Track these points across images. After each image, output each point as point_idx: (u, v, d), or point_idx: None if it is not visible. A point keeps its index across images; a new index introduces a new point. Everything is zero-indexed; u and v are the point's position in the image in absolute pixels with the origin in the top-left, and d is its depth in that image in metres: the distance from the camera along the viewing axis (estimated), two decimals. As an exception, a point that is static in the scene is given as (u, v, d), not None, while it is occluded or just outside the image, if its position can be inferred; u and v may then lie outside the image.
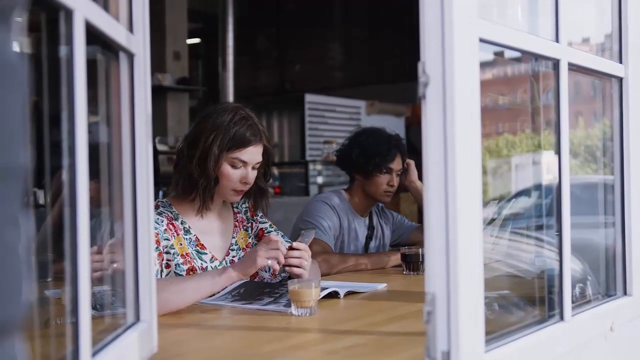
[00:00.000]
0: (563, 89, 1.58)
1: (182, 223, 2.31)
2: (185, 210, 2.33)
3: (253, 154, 2.30)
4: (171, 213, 2.30)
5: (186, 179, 2.28)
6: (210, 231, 2.37)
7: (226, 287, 2.14)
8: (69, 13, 1.03)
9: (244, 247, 2.45)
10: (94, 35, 1.16)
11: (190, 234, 2.30)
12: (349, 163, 3.17)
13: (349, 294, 2.24)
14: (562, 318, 1.57)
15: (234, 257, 2.39)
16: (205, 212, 2.34)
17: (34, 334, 1.19)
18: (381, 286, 2.42)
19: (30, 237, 0.64)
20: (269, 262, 2.09)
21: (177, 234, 2.27)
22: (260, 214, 2.54)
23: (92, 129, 1.12)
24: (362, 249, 3.18)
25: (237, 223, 2.47)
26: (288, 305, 1.96)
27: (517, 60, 1.79)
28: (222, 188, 2.31)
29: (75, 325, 1.04)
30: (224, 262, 2.35)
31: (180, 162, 2.31)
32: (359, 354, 1.55)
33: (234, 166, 2.28)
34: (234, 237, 2.43)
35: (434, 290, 1.21)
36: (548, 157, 1.92)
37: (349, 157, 3.14)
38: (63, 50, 1.05)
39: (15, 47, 0.61)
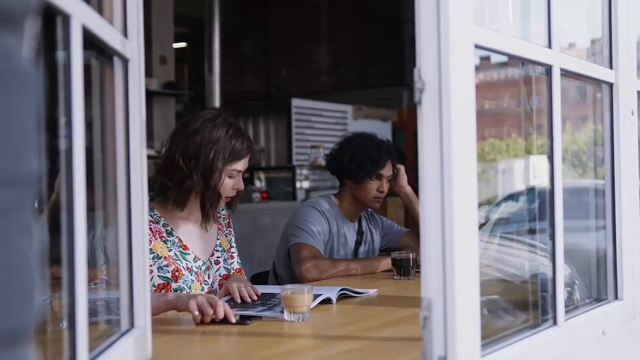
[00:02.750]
0: (555, 94, 1.58)
1: (164, 226, 2.35)
2: (169, 213, 2.38)
3: (246, 162, 2.40)
4: (152, 217, 2.31)
5: (186, 192, 2.33)
6: (194, 233, 2.42)
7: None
8: (66, 18, 1.03)
9: (227, 249, 2.53)
10: (89, 40, 1.15)
11: (173, 235, 2.35)
12: (339, 168, 3.17)
13: (342, 297, 2.25)
14: (555, 323, 1.57)
15: (218, 257, 2.47)
16: (206, 223, 2.41)
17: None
18: (372, 291, 2.42)
19: (42, 244, 0.64)
20: (196, 312, 1.88)
21: (156, 238, 2.30)
22: (231, 228, 2.62)
23: (85, 133, 1.12)
24: (352, 254, 3.18)
25: (220, 226, 2.54)
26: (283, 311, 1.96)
27: (502, 65, 1.80)
28: None
29: (72, 332, 1.03)
30: (208, 262, 2.42)
31: (175, 175, 2.31)
32: (355, 359, 1.55)
33: (230, 177, 2.36)
34: (218, 239, 2.50)
35: (430, 296, 1.21)
36: (535, 162, 1.93)
37: (339, 162, 3.14)
38: (60, 55, 1.05)
39: (28, 54, 0.60)
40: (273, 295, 2.24)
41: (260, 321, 1.93)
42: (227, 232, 2.57)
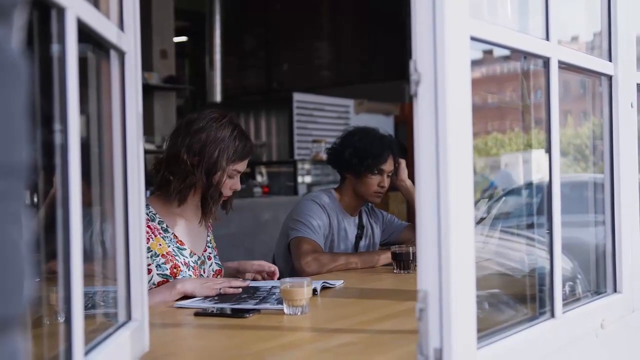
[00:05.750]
0: (553, 87, 1.58)
1: (159, 223, 2.38)
2: (164, 209, 2.42)
3: (245, 164, 2.46)
4: (147, 214, 2.33)
5: (188, 188, 2.36)
6: (188, 229, 2.46)
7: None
8: (60, 11, 1.03)
9: (214, 247, 2.59)
10: (85, 33, 1.15)
11: (169, 232, 2.39)
12: (340, 162, 3.17)
13: (341, 292, 2.27)
14: (552, 315, 1.57)
15: (210, 253, 2.53)
16: (205, 220, 2.46)
17: (26, 333, 1.19)
18: (339, 283, 2.45)
19: (32, 234, 0.64)
20: (221, 290, 2.21)
21: (155, 235, 2.34)
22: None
23: (82, 128, 1.12)
24: (352, 248, 3.18)
25: (209, 224, 2.58)
26: (279, 303, 1.97)
27: (506, 58, 1.80)
28: None
29: (68, 325, 1.04)
30: (202, 257, 2.47)
31: (178, 170, 2.34)
32: (351, 352, 1.55)
33: (230, 177, 2.40)
34: (208, 236, 2.56)
35: (426, 288, 1.21)
36: (537, 156, 1.93)
37: (340, 157, 3.14)
38: (54, 48, 1.05)
39: (16, 44, 0.61)
40: (257, 288, 2.27)
41: (258, 314, 1.93)
42: (212, 230, 2.63)
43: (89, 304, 1.42)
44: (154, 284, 2.28)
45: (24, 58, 0.61)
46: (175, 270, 2.32)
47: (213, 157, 2.34)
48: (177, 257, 2.35)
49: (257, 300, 2.09)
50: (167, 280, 2.29)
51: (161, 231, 2.36)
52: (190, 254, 2.41)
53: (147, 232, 2.30)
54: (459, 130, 1.22)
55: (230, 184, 2.41)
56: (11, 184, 0.59)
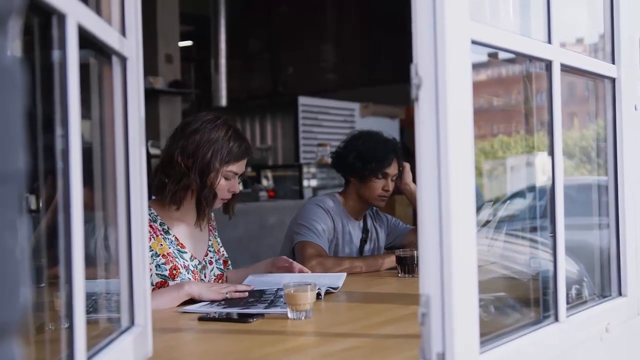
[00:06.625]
0: (556, 90, 1.58)
1: (160, 225, 2.39)
2: (165, 213, 2.41)
3: (243, 165, 2.44)
4: (149, 215, 2.33)
5: (183, 190, 2.35)
6: (189, 233, 2.46)
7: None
8: (61, 17, 1.03)
9: (217, 250, 2.57)
10: (86, 39, 1.15)
11: (170, 234, 2.39)
12: (344, 166, 3.16)
13: (327, 293, 2.28)
14: (557, 319, 1.57)
15: (211, 258, 2.52)
16: (200, 222, 2.44)
17: (29, 339, 1.19)
18: (341, 279, 2.46)
19: (28, 241, 0.65)
20: (227, 295, 2.21)
21: (157, 235, 2.35)
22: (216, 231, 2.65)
23: (84, 133, 1.12)
24: (357, 252, 3.18)
25: (211, 228, 2.58)
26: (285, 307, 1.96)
27: (511, 61, 1.79)
28: None
29: (70, 330, 1.04)
30: (203, 262, 2.47)
31: (173, 172, 2.34)
32: (355, 356, 1.55)
33: (226, 178, 2.39)
34: (210, 240, 2.55)
35: (428, 292, 1.21)
36: (543, 159, 1.92)
37: (345, 160, 3.14)
38: (56, 55, 1.05)
39: (12, 52, 0.61)
40: (263, 292, 2.27)
41: (262, 319, 1.93)
42: (215, 234, 2.62)
43: (92, 308, 1.42)
44: (152, 283, 2.27)
45: (20, 65, 0.61)
46: (174, 272, 2.32)
47: (206, 157, 2.33)
48: (177, 259, 2.35)
49: (266, 304, 2.08)
50: (165, 281, 2.29)
51: (162, 232, 2.37)
52: (190, 258, 2.41)
53: (149, 232, 2.30)
54: (460, 134, 1.22)
55: (228, 186, 2.40)
56: (8, 191, 0.59)
